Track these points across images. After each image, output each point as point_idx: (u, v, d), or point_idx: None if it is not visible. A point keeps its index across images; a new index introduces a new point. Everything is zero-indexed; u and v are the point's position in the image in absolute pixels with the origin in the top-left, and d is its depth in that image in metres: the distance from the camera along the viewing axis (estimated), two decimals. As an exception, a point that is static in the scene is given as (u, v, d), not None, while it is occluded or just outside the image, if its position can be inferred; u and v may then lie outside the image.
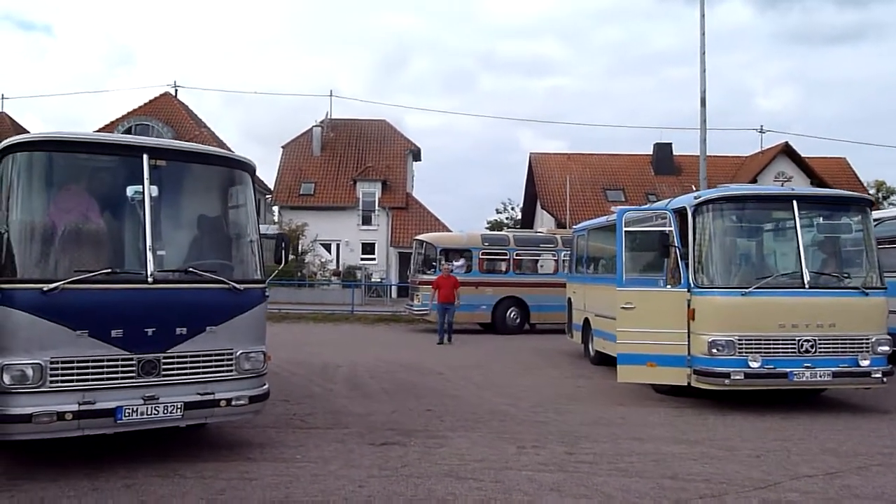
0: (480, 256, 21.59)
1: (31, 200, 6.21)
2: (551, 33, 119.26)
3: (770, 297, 9.18)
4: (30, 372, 5.70)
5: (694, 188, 15.32)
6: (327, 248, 40.77)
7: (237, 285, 6.64)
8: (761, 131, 45.57)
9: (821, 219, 9.75)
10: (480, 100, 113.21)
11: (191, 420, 6.45)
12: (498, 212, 59.89)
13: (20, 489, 5.72)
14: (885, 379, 9.29)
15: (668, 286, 9.74)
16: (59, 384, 5.80)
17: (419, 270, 22.29)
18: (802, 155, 43.97)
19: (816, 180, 41.20)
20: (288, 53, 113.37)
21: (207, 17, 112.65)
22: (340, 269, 39.29)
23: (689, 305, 9.46)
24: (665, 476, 6.36)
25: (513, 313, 21.50)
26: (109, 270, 6.09)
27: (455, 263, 21.32)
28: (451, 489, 5.89)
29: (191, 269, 6.47)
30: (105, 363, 5.98)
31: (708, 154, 24.67)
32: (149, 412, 6.14)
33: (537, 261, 22.56)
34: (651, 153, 46.73)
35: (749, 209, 10.07)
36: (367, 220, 42.23)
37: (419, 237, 23.76)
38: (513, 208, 58.34)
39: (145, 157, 6.36)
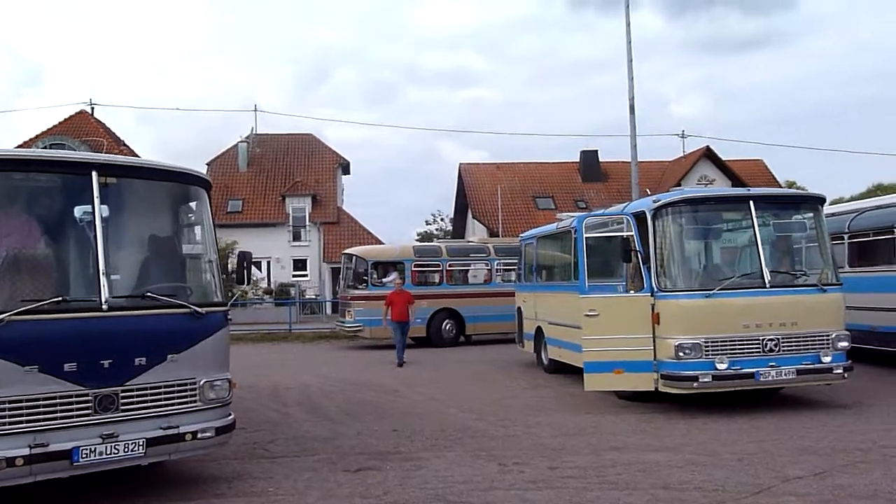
0: (413, 269, 20.97)
1: (-32, 225, 5.62)
2: (471, 45, 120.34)
3: (733, 298, 9.19)
4: (-27, 415, 5.12)
5: (648, 193, 15.41)
6: (258, 265, 39.77)
7: (198, 309, 6.18)
8: (683, 136, 46.98)
9: (777, 218, 9.84)
10: (403, 112, 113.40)
11: (154, 457, 5.95)
12: (427, 223, 59.84)
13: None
14: (846, 374, 9.42)
15: (631, 291, 9.65)
16: (8, 426, 5.22)
17: (349, 286, 21.44)
18: (722, 158, 45.31)
19: (737, 182, 42.45)
20: (206, 69, 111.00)
21: (120, 33, 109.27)
22: (273, 286, 38.36)
23: (653, 310, 9.40)
24: (657, 486, 6.19)
25: (448, 325, 20.96)
26: (59, 299, 5.53)
27: (388, 277, 20.64)
28: (444, 515, 5.57)
29: (148, 294, 5.98)
30: (58, 400, 5.43)
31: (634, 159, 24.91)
32: (108, 451, 5.62)
33: (470, 271, 22.05)
34: (578, 161, 47.36)
35: (707, 211, 10.10)
36: (297, 236, 41.43)
37: (348, 251, 22.95)
38: (442, 219, 58.38)
39: (94, 174, 5.85)
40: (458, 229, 50.42)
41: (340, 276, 23.28)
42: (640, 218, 9.72)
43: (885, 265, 12.67)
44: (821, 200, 10.03)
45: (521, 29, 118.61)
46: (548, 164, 47.92)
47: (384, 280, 20.50)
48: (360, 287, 20.66)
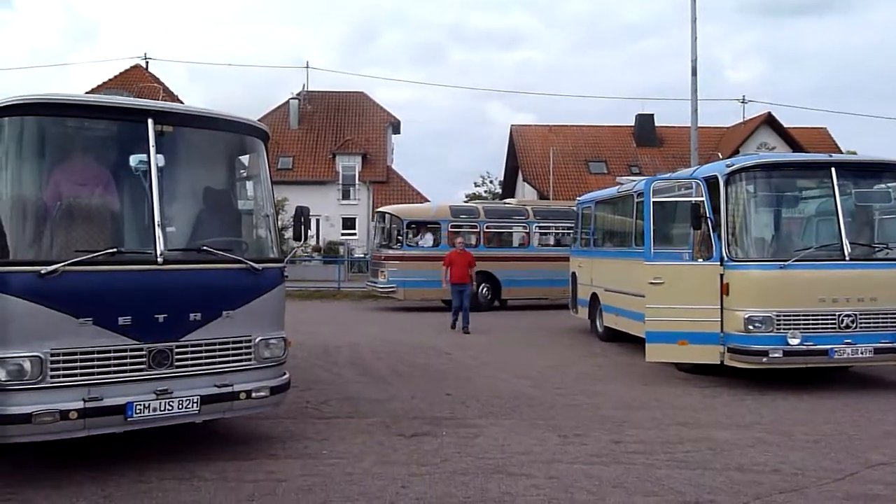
0: (449, 229, 20.13)
1: (23, 172, 5.44)
2: (520, 6, 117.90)
3: (809, 271, 8.68)
4: (28, 366, 4.99)
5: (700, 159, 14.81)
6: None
7: (255, 265, 5.97)
8: (743, 101, 45.27)
9: (859, 187, 9.25)
10: (451, 73, 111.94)
11: (208, 415, 5.80)
12: (476, 185, 59.14)
13: (20, 498, 5.05)
14: (926, 355, 8.88)
15: (699, 259, 9.19)
16: (62, 379, 5.10)
17: (383, 245, 20.82)
18: (784, 125, 43.78)
19: (799, 150, 41.01)
20: (256, 26, 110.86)
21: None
22: (321, 244, 38.44)
23: (722, 280, 8.95)
24: (730, 467, 5.84)
25: (484, 289, 20.06)
26: (114, 250, 5.35)
27: (423, 237, 20.26)
28: (506, 488, 5.31)
29: (204, 248, 5.77)
30: (112, 354, 5.29)
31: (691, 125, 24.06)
32: (162, 408, 5.47)
33: (508, 233, 21.36)
34: (633, 125, 46.23)
35: (785, 178, 9.55)
36: (347, 195, 41.34)
37: (382, 209, 22.27)
38: (491, 181, 57.64)
39: (150, 122, 5.62)
40: (509, 192, 49.79)
41: (374, 234, 22.70)
42: (711, 183, 9.22)
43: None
44: (907, 169, 9.40)
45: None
46: (601, 127, 46.84)
47: (419, 240, 20.14)
48: (395, 247, 20.07)
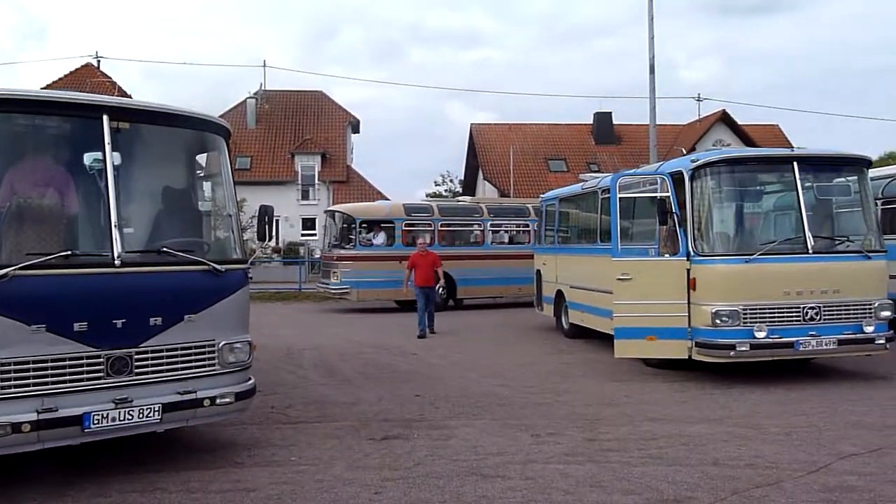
0: (404, 228, 19.76)
1: (-31, 172, 5.16)
2: (478, 5, 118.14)
3: (774, 264, 8.74)
4: (-23, 376, 4.72)
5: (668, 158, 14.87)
6: (267, 224, 39.21)
7: (218, 266, 5.75)
8: (699, 99, 45.79)
9: (820, 181, 9.32)
10: (410, 72, 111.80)
11: (170, 424, 5.56)
12: (437, 184, 59.07)
13: (-29, 517, 4.79)
14: (887, 345, 8.99)
15: (666, 255, 9.18)
16: (13, 390, 4.83)
17: (335, 245, 20.17)
18: (738, 122, 44.47)
19: (753, 147, 41.66)
20: (212, 24, 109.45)
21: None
22: (281, 245, 37.97)
23: (689, 275, 8.95)
24: (705, 462, 5.80)
25: (439, 289, 18.56)
26: (69, 253, 5.10)
27: (377, 237, 19.68)
28: (482, 491, 5.19)
29: (164, 249, 5.54)
30: (68, 362, 5.03)
31: (648, 122, 24.23)
32: (122, 417, 5.23)
33: (463, 231, 21.09)
34: (591, 123, 46.58)
35: (748, 172, 9.59)
36: (306, 195, 40.93)
37: (334, 207, 21.75)
38: (451, 180, 57.63)
39: (105, 118, 5.37)
40: (469, 190, 49.79)
41: (324, 234, 22.08)
42: (676, 178, 9.23)
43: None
44: (866, 163, 9.51)
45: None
46: (560, 125, 47.16)
47: (373, 239, 19.66)
48: (347, 247, 19.49)
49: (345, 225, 19.91)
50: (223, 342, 5.77)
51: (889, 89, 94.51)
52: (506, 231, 21.52)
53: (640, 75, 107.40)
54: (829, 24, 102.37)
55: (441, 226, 20.24)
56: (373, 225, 19.89)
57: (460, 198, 25.61)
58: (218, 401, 5.71)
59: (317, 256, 36.95)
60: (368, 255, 19.24)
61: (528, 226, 21.02)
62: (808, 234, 8.80)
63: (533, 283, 19.14)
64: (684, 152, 13.41)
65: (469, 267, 19.86)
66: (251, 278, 6.26)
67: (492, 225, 20.89)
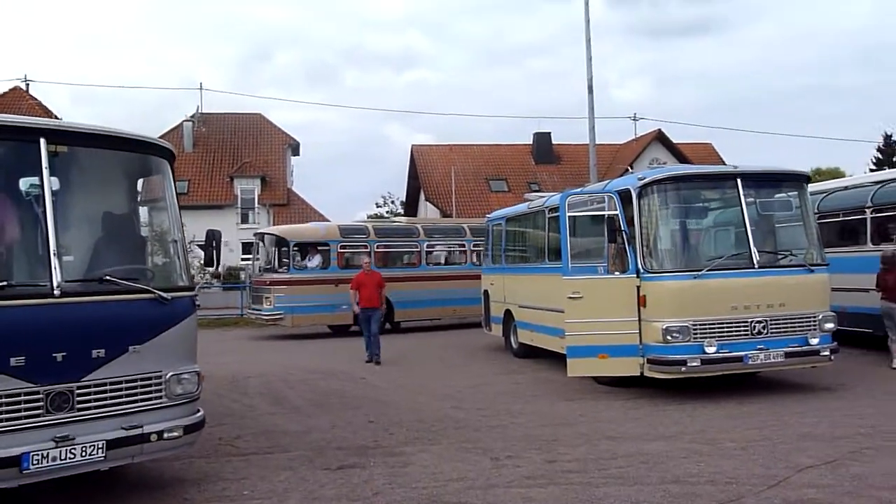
0: (339, 250, 19.16)
1: None
2: (415, 27, 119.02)
3: (721, 279, 8.87)
4: None
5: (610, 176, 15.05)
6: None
7: (163, 294, 5.51)
8: (635, 119, 46.93)
9: (763, 196, 9.54)
10: (347, 94, 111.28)
11: (115, 461, 5.28)
12: (378, 206, 58.84)
13: None
14: (832, 357, 9.19)
15: (615, 272, 9.23)
16: (-55, 431, 4.53)
17: (268, 268, 19.46)
18: (673, 141, 45.53)
19: (688, 165, 42.68)
20: (143, 47, 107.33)
21: (53, 7, 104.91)
22: (220, 270, 37.18)
23: (639, 292, 9.01)
24: (666, 480, 5.78)
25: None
26: (4, 283, 4.82)
27: (311, 260, 19.10)
28: (445, 519, 5.06)
29: (107, 278, 5.28)
30: (4, 400, 4.73)
31: (587, 142, 24.58)
32: (63, 456, 4.94)
33: (400, 253, 20.83)
34: (531, 143, 47.07)
35: (694, 189, 9.75)
36: (246, 218, 40.19)
37: (265, 230, 21.14)
38: (393, 202, 57.50)
39: (43, 141, 5.11)
40: (411, 212, 49.74)
41: (254, 257, 21.03)
42: (624, 196, 9.31)
43: (854, 246, 12.57)
44: (805, 178, 9.78)
45: (465, 11, 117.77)
46: (501, 146, 47.55)
47: (307, 262, 19.06)
48: (281, 270, 18.82)
49: (278, 248, 19.30)
50: (170, 373, 5.52)
51: (815, 108, 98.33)
52: (442, 252, 21.39)
53: (575, 96, 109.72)
54: (756, 46, 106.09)
55: (377, 247, 19.76)
56: (307, 247, 19.30)
57: (395, 218, 24.87)
58: (165, 435, 5.45)
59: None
60: (303, 279, 18.64)
61: (464, 246, 21.03)
62: (752, 249, 8.96)
63: (471, 304, 18.73)
64: (631, 170, 13.55)
65: (406, 289, 19.29)
66: (199, 306, 6.02)
67: (428, 246, 20.63)
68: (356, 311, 14.09)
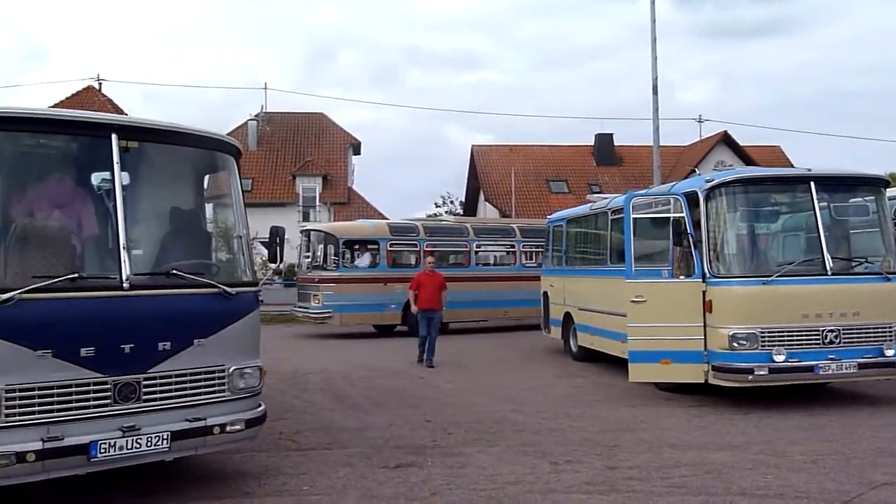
0: (389, 249, 18.97)
1: (-27, 192, 5.00)
2: (475, 28, 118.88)
3: (792, 286, 8.57)
4: (-21, 404, 4.53)
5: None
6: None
7: (228, 289, 5.58)
8: (700, 120, 45.99)
9: (838, 201, 9.19)
10: (408, 95, 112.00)
11: (179, 452, 5.35)
12: (437, 206, 59.00)
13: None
14: (909, 369, 8.79)
15: (680, 277, 9.01)
16: (18, 418, 4.64)
17: (316, 266, 19.18)
18: (740, 144, 44.46)
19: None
20: (212, 48, 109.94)
21: (126, 11, 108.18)
22: (282, 267, 37.74)
23: (704, 297, 8.78)
24: (732, 492, 5.60)
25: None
26: (76, 276, 4.92)
27: (360, 258, 19.05)
28: (503, 523, 4.99)
29: (174, 272, 5.37)
30: (74, 389, 4.84)
31: (650, 143, 24.16)
32: (129, 446, 5.03)
33: (449, 253, 20.49)
34: (592, 144, 46.56)
35: (765, 192, 9.45)
36: (307, 217, 40.72)
37: (313, 227, 20.91)
38: (452, 202, 57.61)
39: (114, 137, 5.22)
40: (470, 212, 49.74)
41: (302, 254, 20.47)
42: (691, 198, 9.08)
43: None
44: (884, 182, 9.39)
45: (527, 12, 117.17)
46: (561, 146, 47.11)
47: (356, 261, 18.96)
48: (330, 268, 18.46)
49: (326, 245, 18.96)
50: (233, 367, 5.59)
51: (887, 110, 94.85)
52: (491, 252, 21.19)
53: (636, 98, 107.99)
54: (825, 46, 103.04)
55: (427, 246, 19.15)
56: (356, 245, 19.16)
57: (443, 217, 23.94)
58: (228, 428, 5.51)
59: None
60: (352, 278, 18.44)
61: (513, 247, 20.75)
62: (826, 255, 8.64)
63: (520, 306, 19.19)
64: (697, 172, 13.25)
65: (455, 290, 17.91)
66: (262, 301, 6.08)
67: (477, 246, 20.31)
68: (415, 311, 13.63)
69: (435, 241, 19.78)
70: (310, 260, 19.83)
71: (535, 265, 20.24)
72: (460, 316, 19.27)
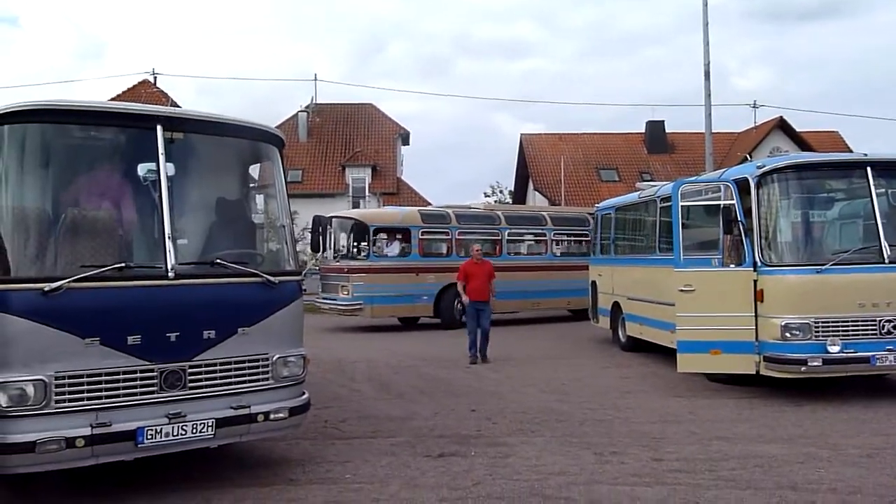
0: (420, 237, 17.83)
1: (25, 183, 5.12)
2: (525, 15, 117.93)
3: (848, 275, 8.30)
4: (31, 390, 4.65)
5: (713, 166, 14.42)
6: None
7: (271, 278, 5.63)
8: (754, 106, 44.76)
9: (895, 187, 8.85)
10: (457, 84, 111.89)
11: (224, 439, 5.44)
12: (486, 195, 58.75)
13: (25, 533, 4.71)
14: (972, 361, 8.44)
15: (731, 265, 8.79)
16: (68, 404, 4.76)
17: (344, 255, 18.05)
18: (796, 129, 43.31)
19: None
20: (263, 41, 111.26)
21: (174, 7, 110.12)
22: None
23: (755, 286, 8.56)
24: (783, 486, 5.45)
25: (458, 304, 16.41)
26: (123, 265, 5.03)
27: (390, 247, 18.02)
28: (545, 514, 4.94)
29: (218, 261, 5.43)
30: (121, 376, 4.95)
31: (702, 130, 23.66)
32: (175, 432, 5.12)
33: (481, 241, 17.98)
34: (643, 132, 45.84)
35: (818, 178, 9.16)
36: (357, 207, 40.96)
37: (341, 213, 19.19)
38: (501, 191, 57.33)
39: (160, 128, 5.30)
40: (519, 201, 49.46)
41: (328, 242, 17.88)
42: (741, 185, 8.85)
43: None
44: (945, 167, 9.01)
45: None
46: (612, 134, 46.53)
47: (386, 249, 17.93)
48: (360, 257, 17.44)
49: (355, 233, 17.96)
50: (277, 356, 5.64)
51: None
52: (521, 241, 20.34)
53: (689, 84, 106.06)
54: (887, 27, 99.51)
55: (458, 234, 18.37)
56: (387, 233, 18.25)
57: (472, 204, 21.66)
58: (272, 416, 5.57)
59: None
60: (383, 267, 17.41)
61: (544, 235, 20.02)
62: (883, 242, 8.34)
63: (552, 297, 18.96)
64: (749, 158, 12.94)
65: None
66: (305, 290, 6.12)
67: (510, 234, 19.43)
68: (465, 303, 12.63)
69: (466, 229, 18.65)
70: (334, 249, 18.48)
71: (570, 254, 20.18)
72: (494, 307, 17.62)
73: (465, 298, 12.52)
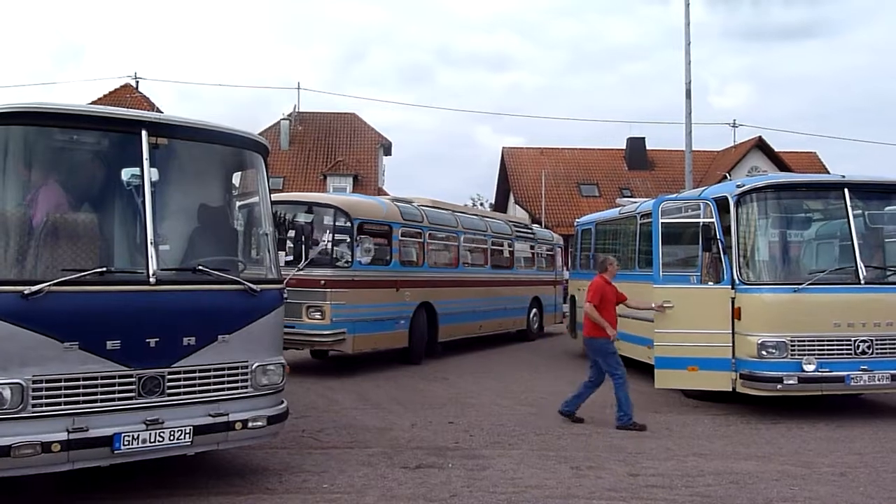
0: (400, 238, 12.88)
1: (6, 186, 5.07)
2: (507, 28, 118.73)
3: (824, 294, 8.43)
4: (7, 394, 4.59)
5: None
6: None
7: (253, 286, 5.61)
8: (734, 125, 45.40)
9: (872, 208, 9.02)
10: (439, 95, 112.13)
11: (200, 447, 5.41)
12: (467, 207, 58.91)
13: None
14: (944, 381, 8.59)
15: (709, 282, 8.89)
16: (44, 408, 4.71)
17: (318, 260, 11.09)
18: (774, 149, 43.85)
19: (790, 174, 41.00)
20: (244, 48, 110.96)
21: (160, 10, 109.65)
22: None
23: (733, 304, 8.66)
24: (757, 503, 5.51)
25: (424, 326, 13.27)
26: (103, 270, 5.01)
27: (361, 248, 11.47)
28: (522, 527, 4.95)
29: (200, 268, 5.42)
30: (99, 381, 4.90)
31: (682, 148, 23.93)
32: (152, 439, 5.08)
33: (443, 249, 14.71)
34: (624, 148, 46.21)
35: (797, 198, 9.33)
36: (337, 217, 40.85)
37: (313, 198, 12.62)
38: (482, 204, 57.53)
39: (144, 133, 5.28)
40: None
41: (296, 240, 9.56)
42: (721, 203, 8.96)
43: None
44: (921, 190, 9.19)
45: (560, 12, 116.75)
46: (593, 150, 46.80)
47: (359, 255, 11.48)
48: (341, 263, 11.55)
49: (336, 228, 11.81)
50: (256, 364, 5.62)
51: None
52: (478, 251, 15.94)
53: (671, 101, 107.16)
54: (864, 48, 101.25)
55: (429, 237, 13.85)
56: (370, 232, 12.16)
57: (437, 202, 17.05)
58: (250, 424, 5.55)
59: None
60: (368, 279, 11.92)
61: (511, 246, 17.08)
62: (859, 263, 8.48)
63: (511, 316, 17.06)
64: (729, 177, 13.10)
65: (455, 297, 14.31)
66: (286, 298, 6.11)
67: (493, 242, 16.23)
68: (612, 337, 8.60)
69: (435, 231, 14.21)
70: (305, 251, 10.21)
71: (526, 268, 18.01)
72: (458, 331, 14.79)
73: (610, 333, 8.53)
